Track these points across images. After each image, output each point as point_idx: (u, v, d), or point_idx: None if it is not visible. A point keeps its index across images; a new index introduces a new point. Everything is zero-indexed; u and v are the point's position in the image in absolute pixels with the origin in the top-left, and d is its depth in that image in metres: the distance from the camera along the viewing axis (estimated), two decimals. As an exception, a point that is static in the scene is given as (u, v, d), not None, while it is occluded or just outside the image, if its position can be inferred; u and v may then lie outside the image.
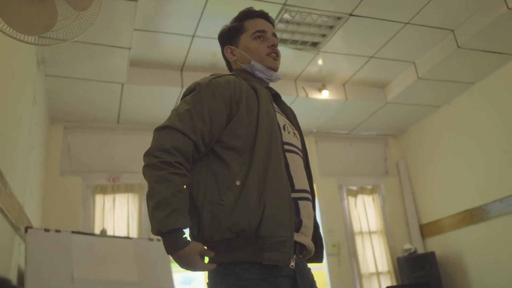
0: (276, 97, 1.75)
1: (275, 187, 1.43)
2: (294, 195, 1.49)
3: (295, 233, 1.43)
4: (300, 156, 1.64)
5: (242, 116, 1.50)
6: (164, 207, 1.32)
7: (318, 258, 1.69)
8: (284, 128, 1.61)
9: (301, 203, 1.51)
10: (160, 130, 1.43)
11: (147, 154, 1.40)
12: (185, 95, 1.56)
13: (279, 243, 1.37)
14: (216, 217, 1.38)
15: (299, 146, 1.66)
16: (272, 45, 1.71)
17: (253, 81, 1.64)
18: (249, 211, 1.37)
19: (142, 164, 1.41)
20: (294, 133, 1.67)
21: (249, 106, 1.53)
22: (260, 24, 1.73)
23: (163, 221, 1.31)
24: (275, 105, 1.66)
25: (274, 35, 1.75)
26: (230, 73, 1.68)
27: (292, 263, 1.42)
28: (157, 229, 1.32)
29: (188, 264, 1.36)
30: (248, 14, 1.74)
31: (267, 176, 1.43)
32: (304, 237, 1.51)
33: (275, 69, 1.72)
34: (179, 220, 1.33)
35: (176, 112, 1.48)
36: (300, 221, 1.49)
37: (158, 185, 1.34)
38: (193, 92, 1.52)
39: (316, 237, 1.65)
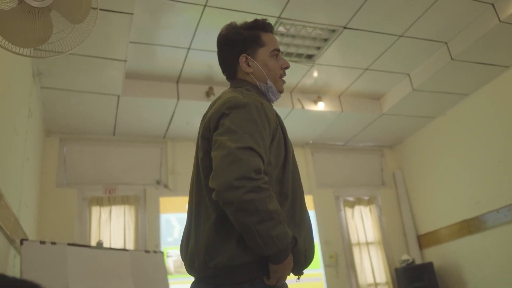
0: None
1: (301, 221, 1.49)
2: None
3: None
4: None
5: (273, 148, 1.47)
6: (283, 222, 1.33)
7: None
8: None
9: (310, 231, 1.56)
10: (244, 150, 1.32)
11: (243, 178, 1.27)
12: (239, 108, 1.44)
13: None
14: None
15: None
16: (285, 67, 1.68)
17: (268, 102, 1.60)
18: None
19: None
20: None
21: (279, 135, 1.51)
22: (276, 42, 1.68)
23: (286, 234, 1.33)
24: None
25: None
26: (249, 90, 1.58)
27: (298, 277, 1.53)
28: (286, 242, 1.32)
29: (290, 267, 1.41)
30: (265, 27, 1.68)
31: (295, 209, 1.49)
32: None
33: (282, 93, 1.70)
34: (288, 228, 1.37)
35: (244, 128, 1.38)
36: None
37: (272, 205, 1.31)
38: (252, 111, 1.43)
39: None
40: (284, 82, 1.70)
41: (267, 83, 1.64)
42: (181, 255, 1.53)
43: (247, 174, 1.28)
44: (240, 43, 1.64)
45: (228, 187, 1.27)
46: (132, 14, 3.41)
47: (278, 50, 1.67)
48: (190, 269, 1.47)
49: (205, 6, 3.73)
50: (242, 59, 1.64)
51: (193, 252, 1.44)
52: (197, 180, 1.52)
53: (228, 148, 1.32)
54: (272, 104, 1.69)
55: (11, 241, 3.01)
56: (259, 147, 1.35)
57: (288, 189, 1.47)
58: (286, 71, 1.69)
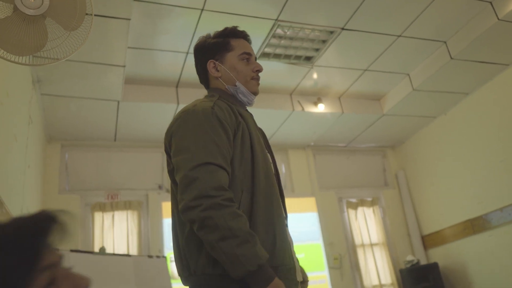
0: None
1: (278, 218, 1.46)
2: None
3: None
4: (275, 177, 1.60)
5: (237, 146, 1.47)
6: (251, 241, 1.28)
7: None
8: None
9: (287, 231, 1.52)
10: (199, 167, 1.33)
11: (200, 197, 1.28)
12: (187, 122, 1.46)
13: (288, 270, 1.40)
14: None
15: (273, 168, 1.61)
16: (257, 70, 1.70)
17: (236, 105, 1.61)
18: (261, 243, 1.33)
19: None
20: (271, 159, 1.65)
21: (243, 135, 1.50)
22: (246, 46, 1.72)
23: (256, 255, 1.27)
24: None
25: (256, 59, 1.76)
26: (213, 96, 1.61)
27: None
28: (256, 264, 1.26)
29: None
30: (234, 33, 1.71)
31: (271, 206, 1.45)
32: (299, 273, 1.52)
33: (256, 94, 1.71)
34: (263, 250, 1.31)
35: (196, 143, 1.39)
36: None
37: (235, 222, 1.28)
38: (201, 120, 1.44)
39: None
40: (257, 83, 1.71)
41: (235, 85, 1.66)
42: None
43: (204, 193, 1.29)
44: (209, 50, 1.69)
45: (186, 208, 1.30)
46: (129, 19, 3.42)
47: (248, 53, 1.70)
48: (179, 276, 1.48)
49: (202, 10, 3.74)
50: (210, 64, 1.68)
51: (176, 259, 1.47)
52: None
53: (184, 169, 1.34)
54: (249, 106, 1.72)
55: (13, 248, 3.01)
56: (216, 158, 1.36)
57: (260, 192, 1.44)
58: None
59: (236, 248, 1.25)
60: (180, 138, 1.43)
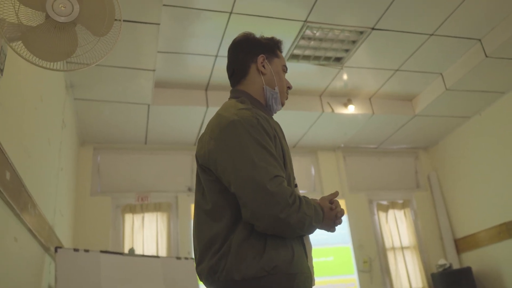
0: None
1: None
2: None
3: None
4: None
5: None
6: (316, 211, 1.48)
7: None
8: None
9: (305, 239, 1.56)
10: (272, 180, 1.39)
11: (284, 209, 1.37)
12: (238, 134, 1.46)
13: (305, 278, 1.44)
14: (247, 256, 1.40)
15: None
16: (288, 86, 1.76)
17: (266, 113, 1.62)
18: (280, 250, 1.42)
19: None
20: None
21: (277, 143, 1.53)
22: (285, 61, 1.78)
23: (318, 215, 1.48)
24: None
25: None
26: (245, 102, 1.60)
27: None
28: (320, 220, 1.49)
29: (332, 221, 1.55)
30: (279, 45, 1.76)
31: None
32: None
33: (283, 106, 1.74)
34: (319, 208, 1.51)
35: (257, 157, 1.42)
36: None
37: (306, 208, 1.43)
38: (250, 131, 1.45)
39: None
40: (287, 97, 1.75)
41: (274, 89, 1.68)
42: None
43: (286, 203, 1.38)
44: (261, 46, 1.71)
45: (276, 220, 1.37)
46: (159, 24, 3.46)
47: (286, 68, 1.76)
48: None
49: (230, 13, 3.74)
50: (260, 58, 1.68)
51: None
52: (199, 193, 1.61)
53: (255, 183, 1.38)
54: (275, 113, 1.74)
55: (46, 249, 3.09)
56: (279, 171, 1.43)
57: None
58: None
59: (314, 223, 1.46)
60: (236, 154, 1.44)
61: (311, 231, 1.50)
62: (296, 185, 1.63)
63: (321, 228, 1.53)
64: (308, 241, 1.57)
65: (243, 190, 1.40)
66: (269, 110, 1.70)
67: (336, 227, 1.57)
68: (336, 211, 1.54)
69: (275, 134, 1.54)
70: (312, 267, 1.55)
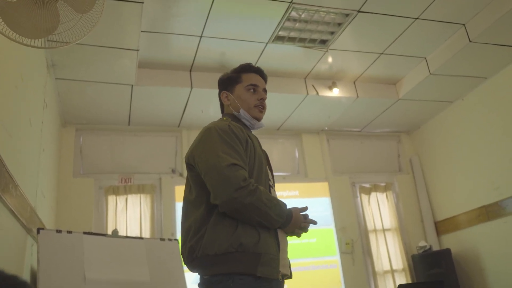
0: None
1: None
2: None
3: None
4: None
5: (247, 153, 1.86)
6: (277, 204, 1.77)
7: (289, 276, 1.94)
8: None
9: (279, 232, 1.82)
10: (229, 167, 1.70)
11: (237, 189, 1.66)
12: (211, 136, 1.84)
13: (271, 259, 1.70)
14: (220, 235, 1.70)
15: (271, 179, 2.00)
16: (260, 99, 2.05)
17: (245, 128, 1.99)
18: (248, 233, 1.70)
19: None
20: (271, 173, 2.02)
21: (250, 148, 1.87)
22: (254, 78, 2.07)
23: (282, 211, 1.77)
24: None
25: (265, 90, 2.10)
26: (226, 120, 1.98)
27: (280, 277, 1.73)
28: (284, 216, 1.78)
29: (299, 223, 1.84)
30: (246, 68, 2.09)
31: None
32: (283, 268, 1.80)
33: (259, 119, 2.05)
34: (283, 204, 1.82)
35: (222, 151, 1.76)
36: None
37: (264, 196, 1.72)
38: (221, 134, 1.82)
39: None
40: (259, 110, 2.05)
41: (239, 112, 2.03)
42: None
43: (238, 186, 1.67)
44: (223, 84, 2.12)
45: (229, 200, 1.67)
46: (142, 3, 3.39)
47: (255, 85, 2.06)
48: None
49: (215, -7, 3.69)
50: (223, 95, 2.10)
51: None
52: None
53: (216, 170, 1.71)
54: (253, 129, 2.09)
55: (28, 230, 3.06)
56: (238, 160, 1.75)
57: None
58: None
59: (272, 213, 1.73)
60: (207, 149, 1.80)
61: (271, 223, 1.74)
62: (271, 186, 1.94)
63: (287, 230, 1.83)
64: (284, 237, 1.84)
65: (209, 176, 1.74)
66: (246, 126, 2.05)
67: (297, 233, 1.86)
68: (302, 221, 1.83)
69: (248, 139, 1.88)
70: (286, 258, 1.83)
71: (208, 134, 1.85)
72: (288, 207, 1.83)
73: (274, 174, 2.13)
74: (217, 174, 1.70)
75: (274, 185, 2.04)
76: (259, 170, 1.86)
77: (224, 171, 1.68)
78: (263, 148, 2.10)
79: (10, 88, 2.67)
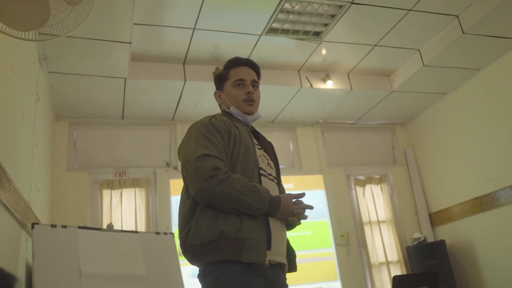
0: (255, 133, 2.10)
1: None
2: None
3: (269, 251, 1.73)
4: (275, 182, 1.98)
5: (230, 146, 1.86)
6: (255, 190, 1.73)
7: (292, 268, 1.94)
8: (259, 157, 1.96)
9: (271, 220, 1.79)
10: (200, 158, 1.73)
11: (206, 179, 1.68)
12: (190, 132, 1.90)
13: (256, 244, 1.69)
14: (203, 225, 1.73)
15: (274, 174, 2.00)
16: (248, 92, 2.03)
17: (235, 121, 2.01)
18: (230, 221, 1.71)
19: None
20: (268, 163, 2.00)
21: (234, 139, 1.88)
22: (242, 73, 2.06)
23: (262, 196, 1.74)
24: (255, 141, 2.03)
25: (254, 81, 2.07)
26: (217, 114, 2.04)
27: (267, 262, 1.70)
28: (265, 202, 1.73)
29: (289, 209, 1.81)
30: (233, 63, 2.09)
31: None
32: (277, 256, 1.79)
33: (250, 113, 2.04)
34: (265, 190, 1.78)
35: (197, 144, 1.79)
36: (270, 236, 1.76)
37: (238, 184, 1.71)
38: (200, 128, 1.86)
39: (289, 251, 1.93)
40: (248, 104, 2.03)
41: (229, 109, 2.05)
42: None
43: (207, 175, 1.68)
44: (216, 82, 2.15)
45: (200, 190, 1.69)
46: (134, -5, 3.37)
47: (241, 79, 2.04)
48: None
49: (208, -15, 3.67)
50: (216, 95, 2.13)
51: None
52: None
53: (189, 162, 1.75)
54: (248, 123, 2.08)
55: (23, 225, 3.04)
56: (211, 150, 1.76)
57: (237, 172, 1.82)
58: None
59: (250, 200, 1.70)
60: (185, 143, 1.87)
61: (252, 210, 1.72)
62: (262, 175, 1.89)
63: (278, 216, 1.80)
64: (277, 225, 1.81)
65: (184, 169, 1.80)
66: (240, 120, 2.04)
67: (292, 220, 1.83)
68: (294, 207, 1.81)
69: (232, 130, 1.89)
70: (281, 246, 1.82)
71: (189, 131, 1.90)
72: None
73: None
74: (189, 167, 1.74)
75: (279, 177, 2.05)
76: (245, 159, 1.86)
77: (195, 163, 1.71)
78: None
79: (2, 81, 2.64)
